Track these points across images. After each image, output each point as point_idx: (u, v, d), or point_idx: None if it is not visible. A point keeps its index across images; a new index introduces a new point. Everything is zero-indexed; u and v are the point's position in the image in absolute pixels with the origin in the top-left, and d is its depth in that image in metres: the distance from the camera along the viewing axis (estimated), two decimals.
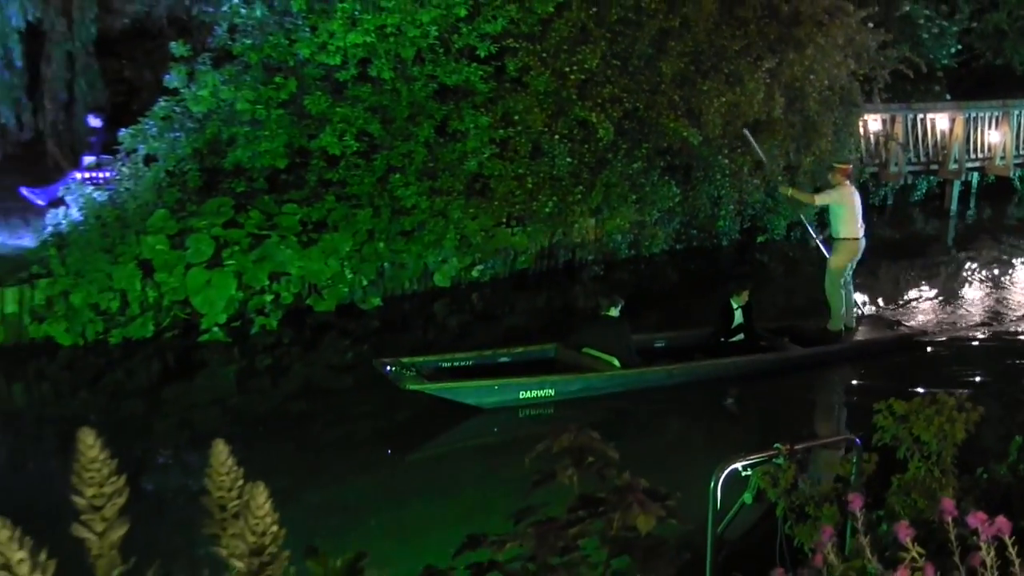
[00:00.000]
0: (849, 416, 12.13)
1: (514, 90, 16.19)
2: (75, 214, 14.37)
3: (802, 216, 14.42)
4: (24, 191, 17.05)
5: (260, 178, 15.01)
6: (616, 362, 11.87)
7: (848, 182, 13.67)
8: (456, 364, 12.30)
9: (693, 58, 16.89)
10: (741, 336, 12.94)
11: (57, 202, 15.21)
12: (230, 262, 13.68)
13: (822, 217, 15.16)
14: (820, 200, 13.88)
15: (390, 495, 9.95)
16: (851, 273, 13.67)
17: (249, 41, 15.27)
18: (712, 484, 5.29)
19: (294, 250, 14.08)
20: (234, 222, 14.13)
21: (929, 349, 14.08)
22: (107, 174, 15.72)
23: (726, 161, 17.29)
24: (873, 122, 21.61)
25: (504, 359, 12.48)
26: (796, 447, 5.92)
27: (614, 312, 12.19)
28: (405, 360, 11.90)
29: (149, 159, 15.00)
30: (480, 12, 15.66)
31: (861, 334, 13.91)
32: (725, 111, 16.91)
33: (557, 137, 16.06)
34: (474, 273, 15.89)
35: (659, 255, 17.78)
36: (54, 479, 10.52)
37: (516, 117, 15.92)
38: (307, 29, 15.23)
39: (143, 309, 13.47)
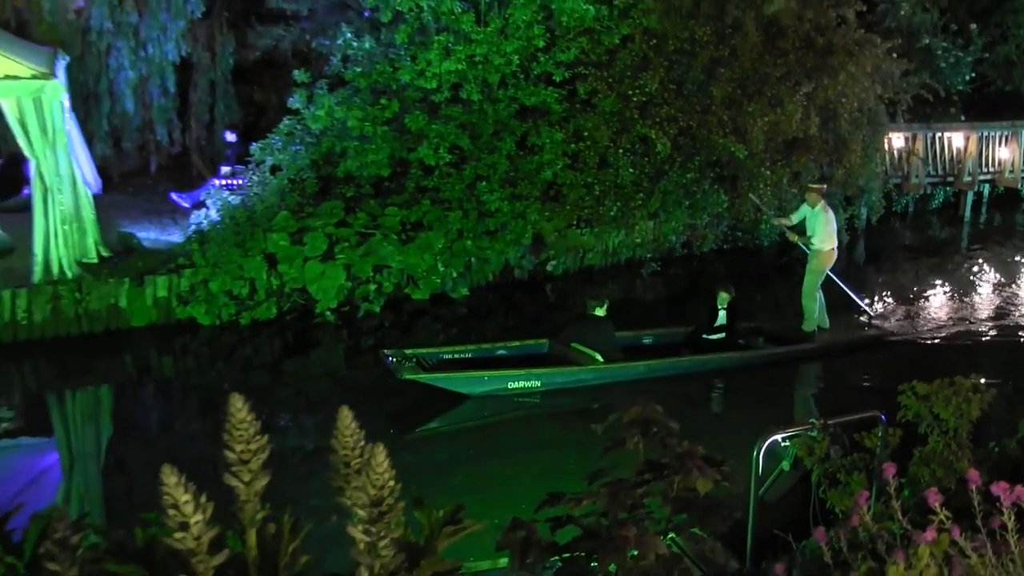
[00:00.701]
0: (867, 398, 11.87)
1: (584, 110, 16.22)
2: (214, 215, 14.66)
3: (798, 242, 13.60)
4: (173, 195, 17.41)
5: (367, 185, 15.21)
6: (599, 357, 11.51)
7: (823, 201, 13.26)
8: (457, 356, 12.00)
9: (740, 83, 16.76)
10: (723, 335, 12.48)
11: (199, 205, 15.51)
12: (341, 256, 13.86)
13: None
14: (796, 217, 13.55)
15: (472, 457, 10.09)
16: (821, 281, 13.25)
17: (359, 69, 15.47)
18: (755, 452, 5.30)
19: (395, 246, 14.22)
20: (344, 222, 14.31)
21: (937, 341, 13.81)
22: (240, 181, 15.99)
23: (768, 173, 17.14)
24: (897, 139, 21.38)
25: (501, 352, 12.16)
26: (828, 422, 5.95)
27: (600, 311, 11.83)
28: (409, 351, 11.65)
29: (275, 169, 15.26)
30: (556, 43, 15.75)
31: (832, 334, 13.37)
32: (767, 129, 16.77)
33: (621, 151, 16.07)
34: (548, 268, 15.97)
35: (708, 254, 17.74)
36: (197, 435, 10.80)
37: (586, 133, 15.96)
38: (408, 59, 15.40)
39: (268, 295, 13.72)
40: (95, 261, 13.93)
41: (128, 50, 17.40)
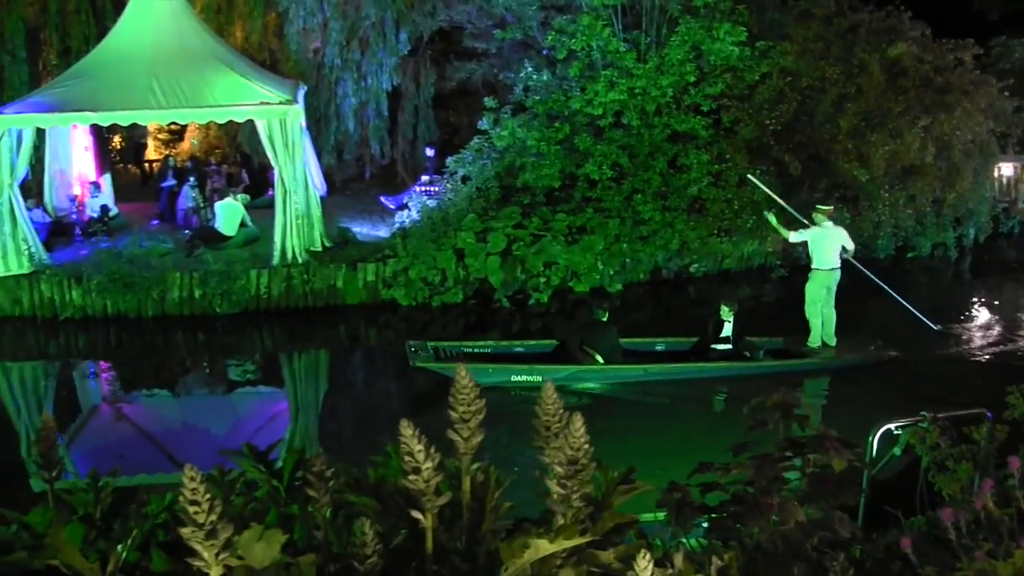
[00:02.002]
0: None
1: (727, 136, 15.91)
2: (414, 215, 14.98)
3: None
4: (382, 198, 17.87)
5: (540, 194, 15.27)
6: (600, 358, 10.91)
7: (830, 222, 11.72)
8: (476, 350, 11.49)
9: (864, 116, 16.09)
10: (728, 346, 11.31)
11: (403, 206, 15.89)
12: (517, 253, 13.97)
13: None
14: (795, 237, 11.93)
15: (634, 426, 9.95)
16: (831, 297, 11.72)
17: (538, 97, 15.56)
18: (870, 438, 5.11)
19: (562, 246, 14.24)
20: (521, 225, 14.41)
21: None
22: (436, 188, 16.28)
23: (886, 195, 16.40)
24: (1006, 168, 20.18)
25: (518, 349, 11.55)
26: (938, 415, 5.67)
27: (603, 316, 11.17)
28: (432, 343, 11.23)
29: (465, 179, 15.50)
30: (705, 79, 15.48)
31: (837, 352, 11.73)
32: (887, 157, 16.07)
33: (758, 172, 15.65)
34: (691, 269, 15.70)
35: None
36: (392, 393, 11.01)
37: (727, 156, 15.64)
38: (579, 90, 15.40)
39: (456, 283, 13.93)
40: (319, 250, 14.42)
41: (352, 81, 17.95)
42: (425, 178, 17.56)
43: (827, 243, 11.63)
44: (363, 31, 17.65)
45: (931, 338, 12.56)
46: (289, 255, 14.04)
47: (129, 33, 14.63)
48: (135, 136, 20.60)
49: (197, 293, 13.57)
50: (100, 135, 17.21)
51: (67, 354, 13.40)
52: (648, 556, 1.50)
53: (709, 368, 11.23)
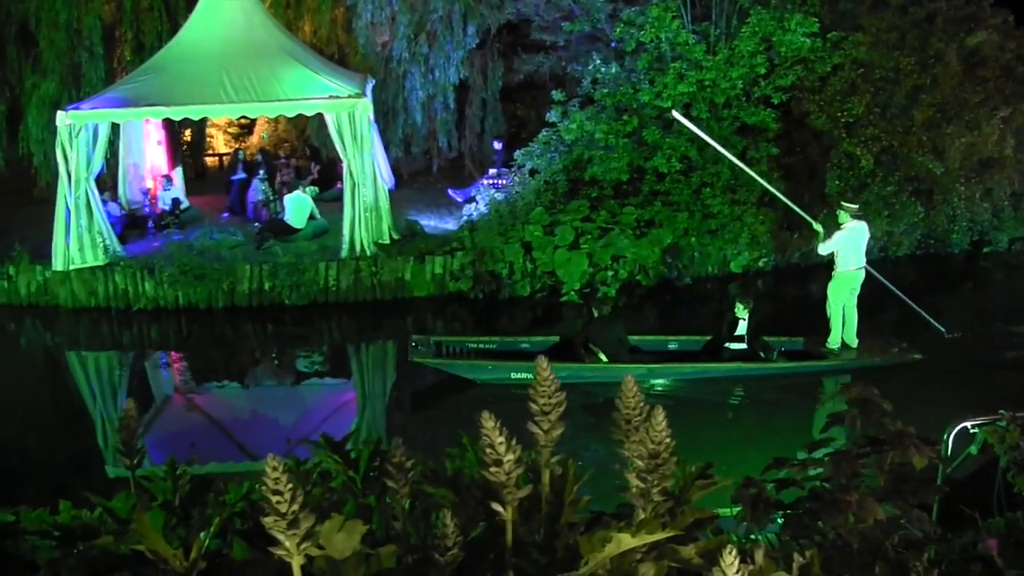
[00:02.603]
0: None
1: (797, 129, 15.59)
2: (482, 208, 15.02)
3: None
4: (449, 191, 17.94)
5: (608, 187, 15.18)
6: (603, 356, 10.73)
7: (855, 221, 11.22)
8: (481, 346, 11.37)
9: (940, 107, 15.64)
10: (743, 345, 10.96)
11: (470, 199, 15.93)
12: (584, 246, 13.90)
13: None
14: (825, 249, 11.33)
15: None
16: (854, 297, 11.26)
17: (606, 90, 15.44)
18: (946, 436, 5.00)
19: (630, 240, 14.14)
20: (588, 218, 14.34)
21: None
22: (504, 181, 16.30)
23: (962, 188, 15.96)
24: None
25: (524, 345, 11.37)
26: (1017, 415, 5.51)
27: (606, 312, 11.02)
28: (436, 338, 11.20)
29: (533, 172, 15.48)
30: (775, 71, 15.19)
31: (857, 354, 11.24)
32: (964, 149, 15.64)
33: (828, 165, 15.36)
34: (760, 264, 15.46)
35: (902, 257, 16.64)
36: (460, 385, 10.99)
37: (797, 149, 15.37)
38: (647, 82, 15.24)
39: (523, 276, 13.93)
40: (387, 242, 14.56)
41: (419, 74, 18.01)
42: (493, 171, 17.59)
43: (854, 243, 11.19)
44: (431, 24, 17.72)
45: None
46: (357, 248, 14.19)
47: (200, 29, 14.92)
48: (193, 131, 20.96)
49: (267, 285, 13.80)
50: (172, 129, 17.59)
51: (140, 344, 13.73)
52: (734, 552, 1.47)
53: (717, 368, 10.95)
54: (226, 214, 17.07)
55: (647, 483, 1.75)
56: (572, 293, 13.75)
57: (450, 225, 15.75)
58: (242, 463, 9.49)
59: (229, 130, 22.94)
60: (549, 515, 1.79)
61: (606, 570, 1.66)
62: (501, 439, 1.57)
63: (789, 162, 15.34)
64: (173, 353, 13.46)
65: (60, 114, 13.87)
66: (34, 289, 14.29)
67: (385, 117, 17.93)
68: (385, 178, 15.90)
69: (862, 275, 11.29)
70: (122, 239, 14.86)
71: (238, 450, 10.00)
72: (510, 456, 1.57)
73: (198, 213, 16.75)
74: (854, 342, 11.36)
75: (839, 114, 15.30)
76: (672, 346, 11.49)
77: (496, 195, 15.25)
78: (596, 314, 10.99)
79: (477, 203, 15.32)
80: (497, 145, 18.53)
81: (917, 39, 15.85)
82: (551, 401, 1.69)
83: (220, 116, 18.32)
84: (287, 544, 1.44)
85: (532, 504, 1.79)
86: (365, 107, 14.03)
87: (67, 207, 13.94)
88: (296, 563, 1.46)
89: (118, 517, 1.98)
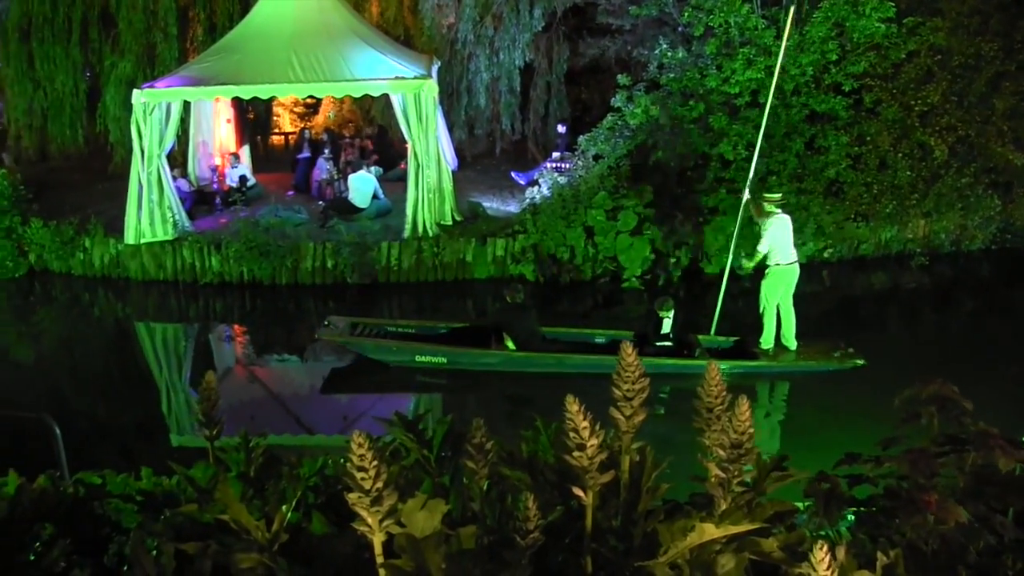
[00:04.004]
0: None
1: (868, 117, 15.15)
2: (545, 191, 14.94)
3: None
4: (512, 174, 17.92)
5: (672, 174, 15.02)
6: (511, 344, 10.52)
7: (780, 211, 10.72)
8: (400, 329, 11.31)
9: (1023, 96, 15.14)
10: (668, 343, 10.58)
11: (533, 183, 15.87)
12: (647, 232, 13.79)
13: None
14: (761, 248, 10.77)
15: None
16: (789, 295, 10.78)
17: (672, 75, 15.22)
18: None
19: (692, 226, 14.00)
20: (652, 203, 14.22)
21: None
22: (567, 165, 16.21)
23: None
24: None
25: (442, 330, 11.25)
26: None
27: (519, 299, 10.73)
28: (355, 320, 11.19)
29: (597, 156, 15.33)
30: (846, 57, 14.83)
31: (795, 356, 10.73)
32: None
33: (900, 155, 14.95)
34: (825, 254, 15.16)
35: (976, 252, 16.17)
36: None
37: (868, 138, 14.97)
38: (714, 67, 14.99)
39: (584, 260, 13.88)
40: (450, 223, 14.61)
41: (484, 56, 17.99)
42: (556, 155, 17.50)
43: (784, 234, 10.64)
44: (497, 7, 17.67)
45: None
46: (420, 228, 14.26)
47: (270, 9, 15.09)
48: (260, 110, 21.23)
49: (329, 263, 13.96)
50: (240, 108, 17.84)
51: (205, 317, 14.00)
52: (825, 547, 1.44)
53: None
54: (291, 192, 17.28)
55: (728, 473, 1.72)
56: (633, 279, 13.66)
57: (512, 208, 15.74)
58: (299, 436, 9.64)
59: (295, 110, 23.18)
60: (627, 502, 1.77)
61: (685, 560, 1.63)
62: (585, 423, 1.56)
63: (859, 151, 14.98)
64: (236, 327, 13.70)
65: (135, 92, 14.17)
66: (107, 261, 14.68)
67: (449, 99, 17.95)
68: (449, 160, 15.94)
69: (796, 270, 10.78)
70: (191, 215, 15.15)
71: (296, 424, 10.15)
72: (593, 441, 1.55)
73: (264, 191, 16.98)
74: (792, 343, 10.86)
75: (913, 102, 14.89)
76: (599, 340, 11.20)
77: (559, 179, 15.17)
78: (509, 300, 10.78)
79: (540, 186, 15.26)
80: (561, 129, 18.43)
81: (1002, 23, 15.25)
82: (634, 387, 1.66)
83: (288, 95, 18.51)
84: (370, 521, 1.44)
85: (608, 490, 1.78)
86: (431, 89, 14.06)
87: (139, 183, 14.27)
88: (378, 540, 1.46)
89: (198, 486, 2.01)
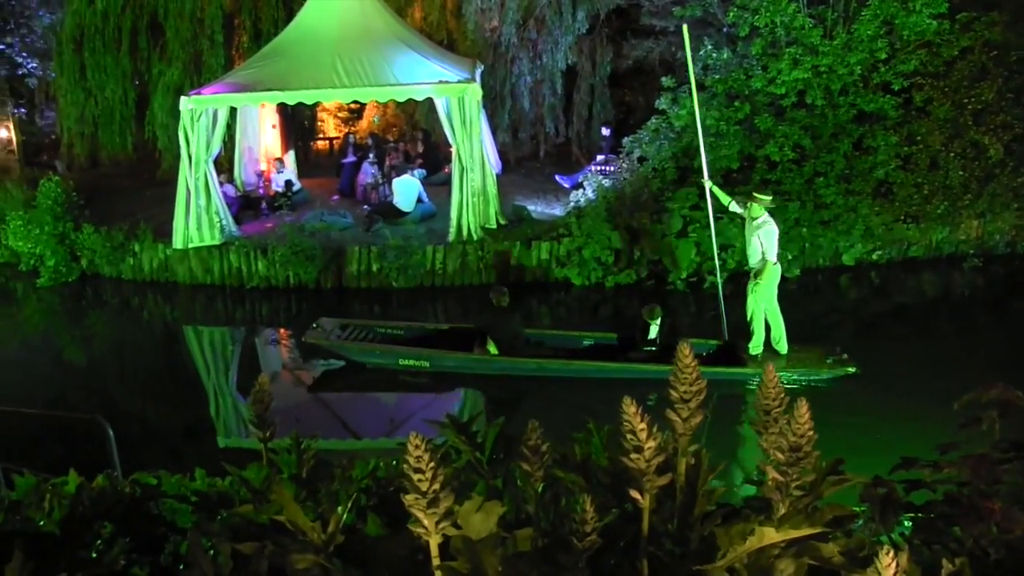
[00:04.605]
0: None
1: (918, 116, 14.92)
2: (589, 194, 14.92)
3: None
4: (557, 177, 17.93)
5: (718, 175, 14.89)
6: (493, 348, 10.50)
7: (766, 215, 10.26)
8: (389, 331, 11.44)
9: None
10: (654, 348, 10.42)
11: (578, 186, 15.86)
12: (693, 235, 13.69)
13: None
14: (734, 207, 10.70)
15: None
16: (774, 297, 10.44)
17: (717, 76, 15.14)
18: None
19: (739, 229, 13.83)
20: (697, 206, 14.06)
21: None
22: (611, 168, 16.18)
23: None
24: None
25: (431, 331, 11.42)
26: None
27: (504, 303, 10.62)
28: (345, 321, 11.44)
29: (641, 159, 15.30)
30: (895, 55, 14.62)
31: (785, 362, 10.32)
32: None
33: (952, 155, 14.68)
34: (874, 256, 14.94)
35: None
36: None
37: (919, 138, 14.72)
38: (760, 68, 14.88)
39: (629, 264, 13.81)
40: (494, 227, 14.64)
41: (527, 60, 18.05)
42: (600, 157, 17.49)
43: (776, 235, 10.28)
44: (540, 10, 17.70)
45: None
46: (465, 232, 14.30)
47: (315, 16, 15.24)
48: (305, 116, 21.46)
49: (374, 267, 14.05)
50: (285, 113, 18.04)
51: (251, 321, 14.16)
52: (891, 553, 1.41)
53: (612, 368, 10.32)
54: (336, 196, 17.43)
55: (787, 477, 1.69)
56: (679, 282, 13.57)
57: (557, 211, 15.73)
58: (346, 440, 9.70)
59: (339, 114, 23.40)
60: (683, 505, 1.75)
61: (743, 564, 1.61)
62: (643, 425, 1.54)
63: (908, 151, 14.74)
64: (282, 330, 13.83)
65: (183, 99, 14.38)
66: (156, 266, 14.92)
67: (493, 102, 18.00)
68: (493, 163, 15.97)
69: (780, 271, 10.52)
70: (237, 219, 15.35)
71: (342, 427, 10.22)
72: (651, 443, 1.54)
73: (309, 195, 17.15)
74: (784, 348, 10.55)
75: (966, 100, 14.61)
76: (587, 343, 11.14)
77: (604, 181, 15.14)
78: (494, 303, 10.73)
79: (584, 189, 15.23)
80: (605, 131, 18.41)
81: None
82: (691, 389, 1.65)
83: (332, 100, 18.69)
84: (426, 522, 1.44)
85: (663, 493, 1.76)
86: (474, 92, 14.09)
87: (187, 188, 14.48)
88: (434, 542, 1.46)
89: (252, 487, 2.03)
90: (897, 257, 15.24)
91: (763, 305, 10.39)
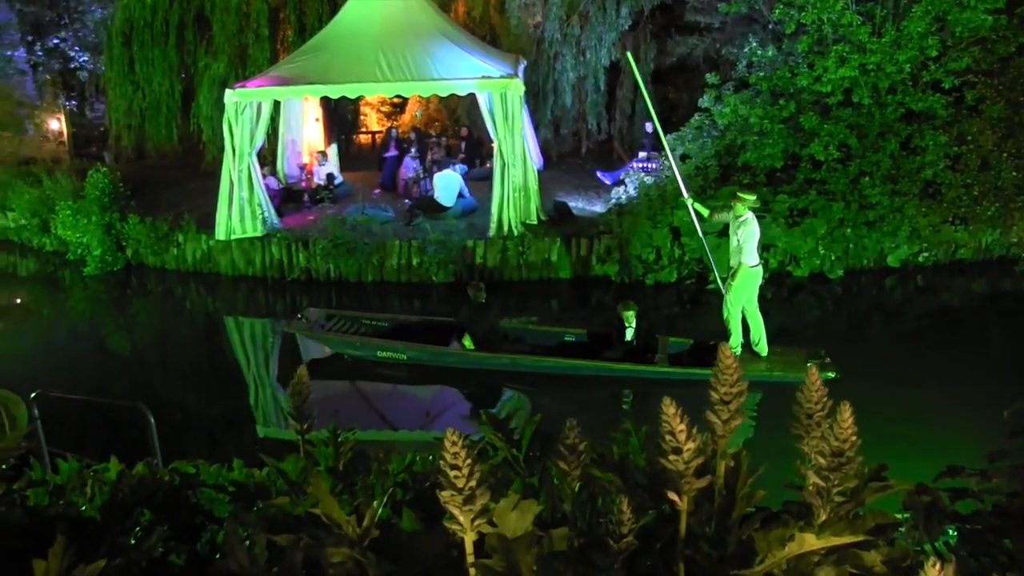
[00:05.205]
0: None
1: (969, 115, 14.62)
2: (631, 191, 14.86)
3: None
4: (598, 173, 17.86)
5: (761, 174, 14.74)
6: (467, 342, 10.61)
7: (750, 214, 10.02)
8: (374, 323, 11.61)
9: None
10: (632, 346, 10.36)
11: (619, 182, 15.78)
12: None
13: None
14: (718, 217, 10.40)
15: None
16: (755, 298, 10.23)
17: (762, 74, 14.98)
18: None
19: (782, 229, 13.73)
20: None
21: None
22: (653, 165, 16.09)
23: None
24: None
25: (414, 324, 11.54)
26: None
27: (481, 298, 10.79)
28: (331, 311, 11.75)
29: (684, 157, 15.18)
30: (947, 52, 14.34)
31: (765, 365, 10.11)
32: None
33: (1005, 155, 14.37)
34: (920, 258, 14.67)
35: None
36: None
37: (969, 137, 14.41)
38: (806, 66, 14.68)
39: (670, 261, 13.72)
40: (535, 223, 14.61)
41: (571, 56, 17.98)
42: (643, 154, 17.39)
43: (757, 236, 10.04)
44: (583, 5, 17.63)
45: None
46: (505, 227, 14.30)
47: (358, 10, 15.32)
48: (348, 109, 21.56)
49: (415, 261, 14.10)
50: (329, 107, 18.15)
51: (292, 313, 14.25)
52: (937, 564, 1.38)
53: (584, 366, 10.30)
54: (378, 190, 17.50)
55: (828, 482, 1.66)
56: (720, 281, 13.42)
57: (598, 208, 15.67)
58: (382, 431, 9.74)
59: (382, 109, 23.50)
60: (721, 508, 1.73)
61: (782, 570, 1.59)
62: (682, 426, 1.52)
63: (958, 151, 14.45)
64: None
65: (227, 92, 14.53)
66: (199, 257, 15.11)
67: (535, 98, 17.97)
68: (534, 159, 15.95)
69: (761, 273, 10.31)
70: (279, 212, 15.47)
71: (380, 420, 10.26)
72: (690, 444, 1.52)
73: (351, 189, 17.25)
74: (764, 350, 10.34)
75: (1022, 99, 14.27)
76: (569, 338, 11.15)
77: (645, 179, 15.05)
78: (471, 298, 10.89)
79: (626, 186, 15.16)
80: (648, 128, 18.30)
81: None
82: (732, 390, 1.62)
83: (375, 95, 18.77)
84: (461, 519, 1.44)
85: (701, 495, 1.74)
86: (517, 88, 14.08)
87: (231, 180, 14.63)
88: (469, 539, 1.45)
89: (289, 479, 2.04)
90: (944, 259, 14.95)
91: (739, 306, 10.22)
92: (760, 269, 10.24)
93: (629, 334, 10.47)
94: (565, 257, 14.08)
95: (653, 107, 11.30)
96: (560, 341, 11.17)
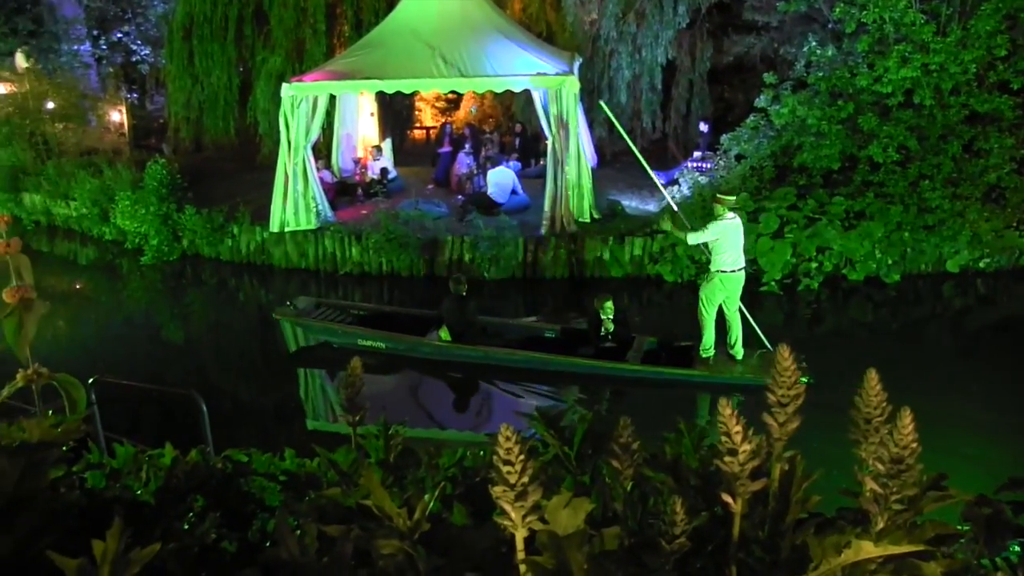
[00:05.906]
0: None
1: None
2: (685, 190, 14.75)
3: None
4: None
5: (818, 176, 14.54)
6: (444, 334, 10.75)
7: (731, 214, 9.82)
8: (360, 313, 11.99)
9: None
10: (614, 344, 10.27)
11: (673, 182, 15.67)
12: (789, 235, 13.42)
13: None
14: (695, 239, 9.92)
15: None
16: (735, 300, 10.00)
17: (821, 73, 14.76)
18: None
19: (837, 231, 13.52)
20: (795, 206, 13.82)
21: None
22: (708, 165, 15.95)
23: None
24: None
25: (396, 314, 11.87)
26: None
27: (462, 291, 10.79)
28: (320, 300, 12.20)
29: (739, 156, 15.04)
30: (1017, 51, 13.97)
31: (736, 368, 9.97)
32: None
33: None
34: (980, 264, 14.31)
35: None
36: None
37: None
38: (866, 66, 14.45)
39: None
40: (588, 221, 14.58)
41: (626, 54, 17.89)
42: (698, 154, 17.26)
43: (730, 240, 9.80)
44: (640, 3, 17.53)
45: None
46: (558, 225, 14.28)
47: (414, 6, 15.41)
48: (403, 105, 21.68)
49: (467, 257, 14.14)
50: (384, 102, 18.29)
51: None
52: None
53: (557, 361, 10.38)
54: (431, 186, 17.59)
55: (886, 489, 1.63)
56: (772, 283, 13.28)
57: (651, 207, 15.57)
58: (430, 429, 9.77)
59: (437, 104, 23.61)
60: (775, 512, 1.70)
61: None
62: (738, 427, 1.50)
63: None
64: None
65: (284, 86, 14.71)
66: (253, 248, 15.32)
67: (590, 96, 17.91)
68: (589, 156, 15.91)
69: (741, 278, 10.02)
70: (333, 205, 15.63)
71: (427, 417, 10.30)
72: (746, 446, 1.50)
73: (405, 184, 17.35)
74: (739, 354, 10.17)
75: None
76: (549, 335, 11.26)
77: (700, 178, 14.93)
78: (452, 291, 10.94)
79: (680, 185, 15.05)
80: (703, 127, 18.16)
81: None
82: (789, 393, 1.59)
83: (430, 90, 18.87)
84: (513, 515, 1.43)
85: (755, 498, 1.72)
86: (572, 85, 14.04)
87: (286, 173, 14.81)
88: (520, 536, 1.45)
89: (340, 470, 2.05)
90: (1007, 265, 14.56)
91: (712, 308, 10.01)
92: (737, 274, 9.95)
93: (609, 326, 10.42)
94: (619, 254, 14.01)
95: (635, 145, 11.92)
96: (541, 337, 11.28)
